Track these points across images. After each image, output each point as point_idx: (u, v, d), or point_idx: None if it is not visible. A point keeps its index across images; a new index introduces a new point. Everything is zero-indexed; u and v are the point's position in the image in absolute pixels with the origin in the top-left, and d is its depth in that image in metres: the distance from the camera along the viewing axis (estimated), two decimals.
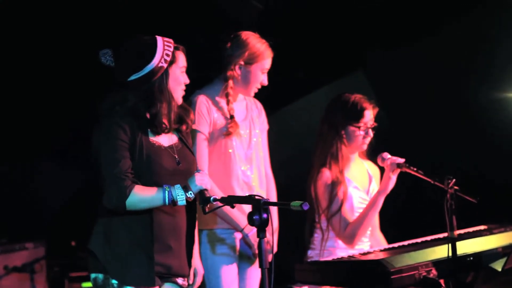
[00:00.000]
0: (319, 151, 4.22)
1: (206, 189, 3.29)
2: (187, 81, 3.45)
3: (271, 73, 4.09)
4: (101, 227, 3.35)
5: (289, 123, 5.79)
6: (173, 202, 3.27)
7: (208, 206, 3.28)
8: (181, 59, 3.43)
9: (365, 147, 4.26)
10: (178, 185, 3.27)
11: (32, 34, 5.12)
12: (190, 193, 3.27)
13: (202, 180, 3.29)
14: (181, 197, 3.26)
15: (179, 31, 3.75)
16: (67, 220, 5.59)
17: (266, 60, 4.03)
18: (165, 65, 3.36)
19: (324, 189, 4.17)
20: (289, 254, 4.15)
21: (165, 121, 3.37)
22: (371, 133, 4.20)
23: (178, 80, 3.41)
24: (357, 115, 4.18)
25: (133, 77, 3.36)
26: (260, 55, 4.00)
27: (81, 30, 5.12)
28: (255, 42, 4.01)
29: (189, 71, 3.47)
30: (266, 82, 4.07)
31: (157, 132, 3.39)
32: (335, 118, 4.21)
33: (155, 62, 3.36)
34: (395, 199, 4.22)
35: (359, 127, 4.18)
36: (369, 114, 4.20)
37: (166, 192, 3.26)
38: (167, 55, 3.37)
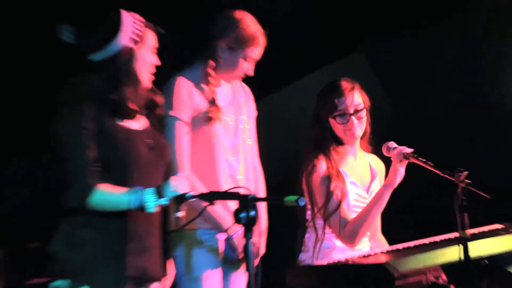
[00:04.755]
0: (312, 147, 4.21)
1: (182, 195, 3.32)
2: (157, 62, 3.47)
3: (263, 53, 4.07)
4: (65, 228, 3.35)
5: (280, 109, 5.83)
6: (141, 208, 3.26)
7: (184, 204, 3.28)
8: (151, 39, 3.46)
9: (357, 134, 4.18)
10: (151, 189, 3.26)
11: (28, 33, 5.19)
12: (163, 200, 3.27)
13: (178, 185, 3.29)
14: (150, 204, 3.26)
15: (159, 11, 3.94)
16: (27, 222, 5.61)
17: (253, 49, 4.00)
18: (132, 45, 3.41)
19: (320, 184, 4.11)
20: (279, 257, 4.16)
21: (132, 106, 3.40)
22: (354, 120, 4.14)
23: (146, 62, 3.44)
24: (331, 105, 4.15)
25: (97, 57, 3.41)
26: (247, 42, 3.98)
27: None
28: (246, 27, 4.00)
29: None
30: (251, 73, 4.05)
31: (125, 118, 3.42)
32: (318, 112, 4.21)
33: (121, 41, 3.40)
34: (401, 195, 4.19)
35: (334, 117, 4.15)
36: (345, 100, 4.14)
37: (135, 195, 3.27)
38: (135, 33, 3.42)
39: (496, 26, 5.34)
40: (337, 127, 4.16)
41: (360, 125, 4.19)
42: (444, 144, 5.43)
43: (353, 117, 4.14)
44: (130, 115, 3.42)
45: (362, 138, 4.28)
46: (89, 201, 3.25)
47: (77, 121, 3.29)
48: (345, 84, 4.19)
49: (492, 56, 5.37)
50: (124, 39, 3.39)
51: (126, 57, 3.39)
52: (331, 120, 4.17)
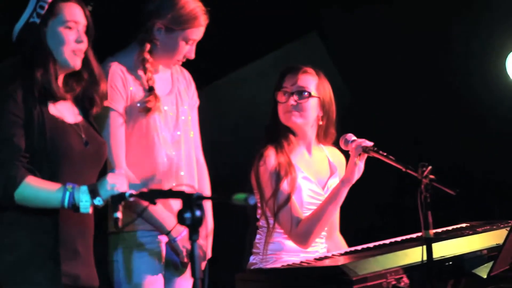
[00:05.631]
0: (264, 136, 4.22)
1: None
2: (82, 39, 3.37)
3: (204, 36, 3.95)
4: None
5: (226, 98, 5.83)
6: (74, 207, 3.19)
7: (123, 204, 3.19)
8: (68, 13, 3.35)
9: (293, 118, 4.12)
10: (85, 188, 3.20)
11: None
12: (99, 200, 3.21)
13: (115, 183, 3.23)
14: (84, 204, 3.19)
15: None
16: None
17: (195, 30, 3.87)
18: (37, 21, 3.32)
19: (269, 176, 4.06)
20: (227, 261, 4.16)
21: (55, 87, 3.33)
22: (291, 101, 4.10)
23: (59, 39, 3.32)
24: (278, 83, 4.16)
25: (13, 39, 3.36)
26: (187, 21, 3.85)
27: None
28: (185, 4, 3.88)
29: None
30: (192, 56, 3.94)
31: (50, 100, 3.34)
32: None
33: (24, 18, 3.34)
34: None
35: (277, 96, 4.13)
36: (291, 78, 4.14)
37: (68, 193, 3.18)
38: (41, 7, 3.32)
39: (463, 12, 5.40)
40: (279, 107, 4.15)
41: (299, 111, 4.12)
42: (408, 137, 5.50)
43: (291, 98, 4.11)
44: (53, 97, 3.31)
45: (320, 131, 4.22)
46: (16, 195, 3.16)
47: (4, 105, 3.22)
48: (301, 66, 4.18)
49: (460, 43, 5.43)
50: (29, 15, 3.33)
51: (34, 33, 3.31)
52: (277, 101, 4.17)
